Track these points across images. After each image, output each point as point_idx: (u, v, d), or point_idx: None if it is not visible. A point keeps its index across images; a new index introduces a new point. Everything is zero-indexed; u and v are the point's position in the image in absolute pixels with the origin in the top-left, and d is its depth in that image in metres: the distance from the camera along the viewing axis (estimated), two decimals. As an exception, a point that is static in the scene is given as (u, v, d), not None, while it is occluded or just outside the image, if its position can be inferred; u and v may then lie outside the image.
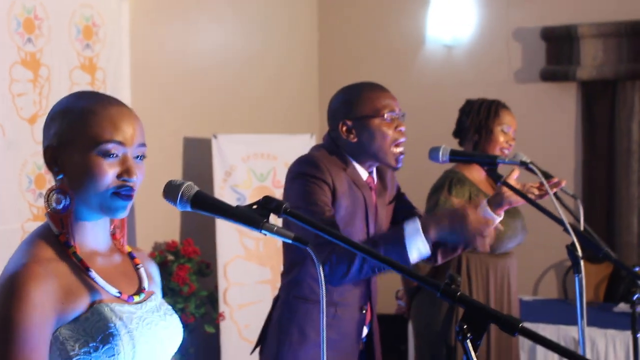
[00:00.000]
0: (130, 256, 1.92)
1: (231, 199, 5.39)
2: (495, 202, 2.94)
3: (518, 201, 2.90)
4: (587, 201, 5.87)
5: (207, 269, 5.22)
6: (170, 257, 5.11)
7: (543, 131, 6.04)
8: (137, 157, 1.79)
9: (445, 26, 6.29)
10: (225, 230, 5.29)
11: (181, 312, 4.97)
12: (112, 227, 1.89)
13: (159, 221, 5.12)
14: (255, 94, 6.12)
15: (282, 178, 5.49)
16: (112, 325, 1.71)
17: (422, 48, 6.48)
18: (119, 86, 4.71)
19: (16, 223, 4.05)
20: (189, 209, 1.70)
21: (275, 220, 1.67)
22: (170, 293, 4.98)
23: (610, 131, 5.85)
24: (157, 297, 1.91)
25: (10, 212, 4.04)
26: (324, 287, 1.44)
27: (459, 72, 6.32)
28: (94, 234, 1.82)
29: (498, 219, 2.96)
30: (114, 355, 1.70)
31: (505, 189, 2.89)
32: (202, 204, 1.70)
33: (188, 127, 5.57)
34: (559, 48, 5.98)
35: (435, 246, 3.06)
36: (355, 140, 2.93)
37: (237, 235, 5.35)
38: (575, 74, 5.87)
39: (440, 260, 3.11)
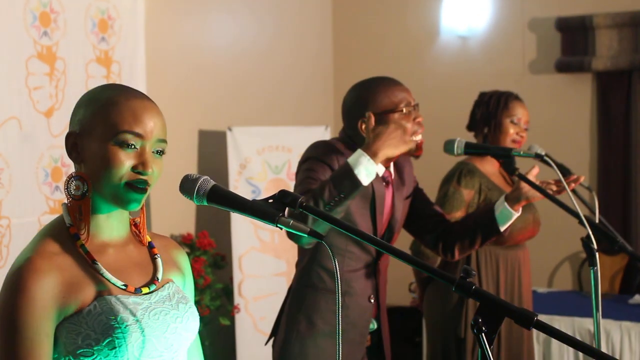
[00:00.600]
0: (150, 246, 1.92)
1: (246, 192, 5.40)
2: (514, 198, 2.94)
3: (535, 197, 2.90)
4: (602, 192, 5.86)
5: (222, 262, 5.24)
6: (186, 250, 5.13)
7: (558, 122, 6.02)
8: (156, 151, 1.79)
9: (460, 17, 6.29)
10: (241, 223, 5.31)
11: (196, 305, 4.97)
12: (132, 218, 1.90)
13: (174, 214, 5.14)
14: (270, 87, 6.13)
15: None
16: (114, 317, 1.72)
17: (436, 39, 6.47)
18: (134, 79, 4.72)
19: (32, 216, 4.08)
20: (205, 203, 1.71)
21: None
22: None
23: (626, 122, 5.83)
24: (172, 285, 1.90)
25: (27, 205, 4.06)
26: (339, 283, 1.45)
27: (474, 63, 6.31)
28: (108, 225, 1.82)
29: (516, 214, 2.97)
30: (115, 347, 1.71)
31: (523, 185, 2.90)
32: (218, 199, 1.70)
33: (203, 120, 5.58)
34: (574, 39, 5.96)
35: (452, 242, 3.07)
36: None
37: (252, 228, 5.37)
38: (591, 65, 5.85)
39: (457, 256, 3.13)
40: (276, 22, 6.27)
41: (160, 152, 1.81)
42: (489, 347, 1.43)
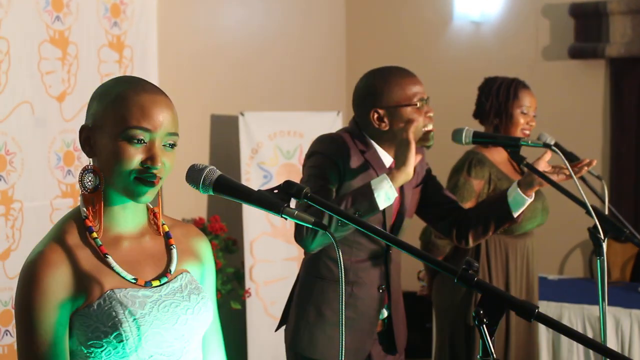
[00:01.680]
0: (167, 236, 1.93)
1: (258, 177, 5.42)
2: (526, 183, 2.95)
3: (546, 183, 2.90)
4: (615, 180, 5.84)
5: (233, 246, 5.26)
6: (197, 234, 5.15)
7: (571, 109, 6.00)
8: (167, 145, 1.81)
9: (473, 2, 6.26)
10: (252, 208, 5.31)
11: (209, 289, 5.03)
12: (152, 208, 1.93)
13: (186, 198, 5.15)
14: (282, 72, 6.13)
15: (308, 156, 5.54)
16: (121, 311, 1.75)
17: (449, 24, 6.45)
18: (147, 64, 4.74)
19: (45, 200, 4.10)
20: (211, 192, 1.73)
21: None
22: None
23: (639, 109, 5.80)
24: (186, 276, 1.91)
25: (39, 189, 4.09)
26: (342, 269, 1.46)
27: (487, 49, 6.29)
28: (123, 216, 1.85)
29: (529, 200, 2.97)
30: (122, 340, 1.74)
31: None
32: (224, 188, 1.72)
33: (215, 105, 5.59)
34: (587, 25, 5.93)
35: (466, 229, 3.08)
36: (387, 128, 2.95)
37: (264, 213, 5.38)
38: (604, 51, 5.82)
39: (471, 242, 3.13)
40: (289, 6, 6.26)
41: (172, 145, 1.82)
42: (490, 339, 1.44)
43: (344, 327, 1.49)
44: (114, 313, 1.75)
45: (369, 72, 3.04)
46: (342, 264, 1.50)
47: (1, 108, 3.90)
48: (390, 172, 2.80)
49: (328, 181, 2.89)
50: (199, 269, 1.99)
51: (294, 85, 6.23)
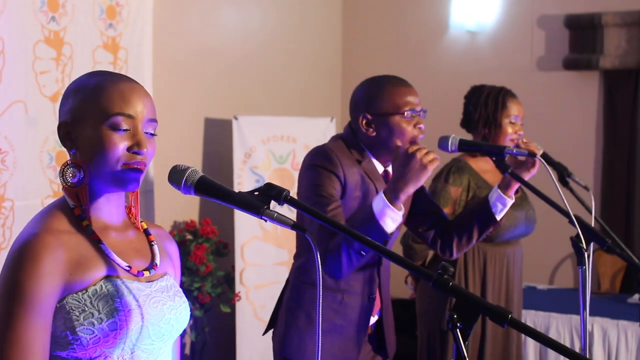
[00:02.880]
0: (146, 233, 1.95)
1: (250, 181, 5.43)
2: (505, 184, 2.97)
3: (524, 177, 2.92)
4: (606, 191, 5.87)
5: (224, 249, 5.27)
6: (189, 237, 5.17)
7: (564, 120, 6.03)
8: (148, 132, 1.83)
9: (469, 12, 6.29)
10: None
11: (198, 291, 5.03)
12: (128, 203, 1.93)
13: (178, 201, 5.17)
14: (277, 76, 6.15)
15: (301, 161, 5.53)
16: (119, 300, 1.75)
17: (445, 33, 6.47)
18: (141, 66, 4.75)
19: (36, 199, 4.12)
20: (192, 193, 1.74)
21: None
22: (187, 272, 5.04)
23: (632, 121, 5.83)
24: (169, 278, 1.94)
25: (31, 188, 4.10)
26: (320, 273, 1.48)
27: (482, 59, 6.32)
28: (108, 209, 1.86)
29: (510, 200, 2.99)
30: (116, 329, 1.73)
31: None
32: (205, 189, 1.73)
33: (209, 108, 5.61)
34: (582, 36, 5.96)
35: (450, 239, 3.08)
36: (374, 134, 2.95)
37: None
38: (598, 63, 5.85)
39: (455, 253, 3.13)
40: (285, 12, 6.29)
41: (152, 133, 1.84)
42: (464, 343, 1.46)
43: (320, 330, 1.50)
44: (110, 300, 1.74)
45: (368, 78, 3.06)
46: (319, 268, 1.52)
47: (-6, 107, 3.92)
48: (391, 191, 2.74)
49: (334, 197, 2.88)
50: (173, 273, 2.01)
51: (288, 90, 6.25)
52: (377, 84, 2.99)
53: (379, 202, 2.75)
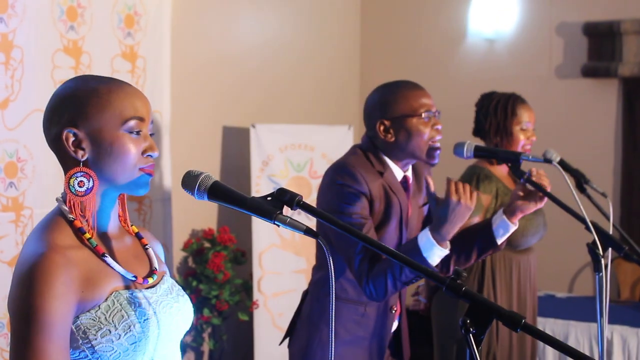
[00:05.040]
0: (138, 236, 1.93)
1: (268, 189, 5.43)
2: (510, 212, 2.94)
3: (530, 209, 2.90)
4: (625, 198, 5.83)
5: (242, 257, 5.28)
6: (207, 245, 5.18)
7: (583, 128, 6.00)
8: (150, 134, 1.83)
9: (487, 20, 6.27)
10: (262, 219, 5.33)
11: (216, 299, 5.04)
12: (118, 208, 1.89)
13: (196, 209, 5.18)
14: (295, 84, 6.16)
15: (318, 169, 5.55)
16: (132, 312, 1.73)
17: (463, 41, 6.46)
18: (159, 74, 4.77)
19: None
20: (206, 198, 1.73)
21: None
22: (205, 280, 5.05)
23: (651, 129, 5.80)
24: (168, 278, 1.93)
25: (50, 196, 4.05)
26: (333, 281, 1.48)
27: (500, 66, 6.30)
28: (106, 217, 1.83)
29: (514, 227, 2.96)
30: (135, 342, 1.72)
31: (518, 202, 2.90)
32: (218, 194, 1.72)
33: (227, 117, 5.62)
34: (601, 44, 5.93)
35: (448, 256, 3.08)
36: (393, 139, 2.95)
37: (273, 225, 5.38)
38: (617, 71, 5.82)
39: (451, 271, 3.11)
40: (304, 20, 6.30)
41: (152, 134, 1.84)
42: (477, 348, 1.45)
43: (333, 342, 1.50)
44: (125, 315, 1.72)
45: (379, 85, 3.06)
46: (333, 277, 1.52)
47: (14, 116, 3.93)
48: (437, 232, 2.79)
49: (365, 217, 2.88)
50: (168, 272, 2.00)
51: (305, 98, 6.26)
52: (390, 89, 3.00)
53: (424, 238, 2.79)
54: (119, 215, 1.90)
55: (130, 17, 4.58)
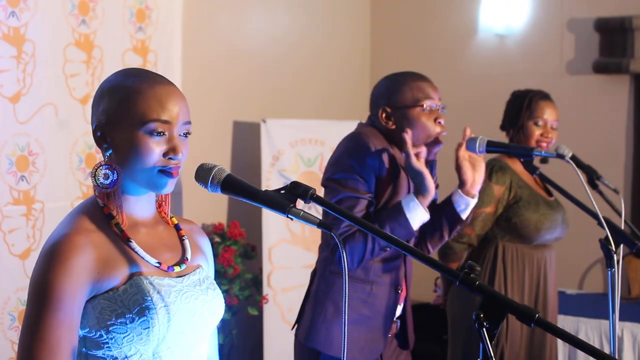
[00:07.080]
0: (177, 228, 1.95)
1: (278, 184, 5.43)
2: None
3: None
4: (637, 194, 5.81)
5: (252, 252, 5.28)
6: (217, 239, 5.18)
7: (594, 124, 5.98)
8: (182, 134, 1.83)
9: (498, 15, 6.26)
10: (272, 214, 5.31)
11: (225, 294, 5.05)
12: (158, 199, 1.94)
13: (206, 203, 5.19)
14: (305, 79, 6.16)
15: (329, 164, 5.55)
16: (149, 298, 1.75)
17: (474, 36, 6.44)
18: (170, 69, 4.78)
19: (66, 201, 4.15)
20: (219, 191, 1.74)
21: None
22: (215, 274, 5.05)
23: (663, 125, 5.78)
24: (202, 271, 1.93)
25: (61, 190, 4.14)
26: (346, 271, 1.48)
27: (511, 62, 6.28)
28: (139, 206, 1.86)
29: (473, 200, 3.00)
30: (148, 327, 1.74)
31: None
32: (231, 187, 1.73)
33: (237, 111, 5.63)
34: (612, 40, 5.90)
35: (424, 239, 3.12)
36: (394, 127, 2.99)
37: (283, 219, 5.39)
38: (629, 67, 5.79)
39: (431, 251, 3.15)
40: (313, 14, 6.29)
41: (187, 134, 1.84)
42: (491, 342, 1.45)
43: (346, 326, 1.51)
44: (141, 299, 1.74)
45: (387, 75, 3.10)
46: (346, 265, 1.52)
47: (25, 109, 3.95)
48: (417, 197, 2.87)
49: (362, 193, 2.93)
50: (207, 267, 2.01)
51: (316, 93, 6.26)
52: (396, 78, 3.05)
53: (409, 202, 2.85)
54: (159, 205, 1.94)
55: (142, 12, 4.59)
